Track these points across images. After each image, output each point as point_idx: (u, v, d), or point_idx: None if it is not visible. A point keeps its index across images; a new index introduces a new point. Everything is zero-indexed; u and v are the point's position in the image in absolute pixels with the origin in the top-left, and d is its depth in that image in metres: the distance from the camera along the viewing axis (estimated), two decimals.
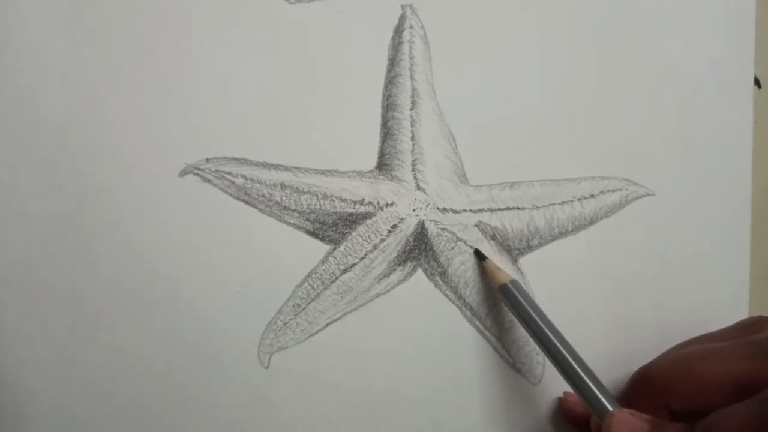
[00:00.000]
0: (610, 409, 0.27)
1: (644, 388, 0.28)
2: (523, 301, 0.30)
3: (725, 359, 0.26)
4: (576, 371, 0.28)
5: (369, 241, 0.32)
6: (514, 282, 0.30)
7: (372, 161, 0.32)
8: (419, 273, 0.32)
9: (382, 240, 0.32)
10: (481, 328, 0.32)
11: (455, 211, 0.32)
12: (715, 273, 0.34)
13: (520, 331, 0.32)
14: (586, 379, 0.28)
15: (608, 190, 0.33)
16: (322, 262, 0.32)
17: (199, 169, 0.31)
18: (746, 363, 0.26)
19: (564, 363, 0.29)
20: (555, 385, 0.32)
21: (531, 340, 0.32)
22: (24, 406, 0.31)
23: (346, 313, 0.32)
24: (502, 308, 0.32)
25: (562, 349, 0.29)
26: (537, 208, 0.32)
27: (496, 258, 0.32)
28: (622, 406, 0.27)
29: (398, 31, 0.32)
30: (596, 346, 0.33)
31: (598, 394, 0.28)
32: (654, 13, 0.33)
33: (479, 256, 0.32)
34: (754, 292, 0.34)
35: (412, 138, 0.32)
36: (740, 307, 0.34)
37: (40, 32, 0.31)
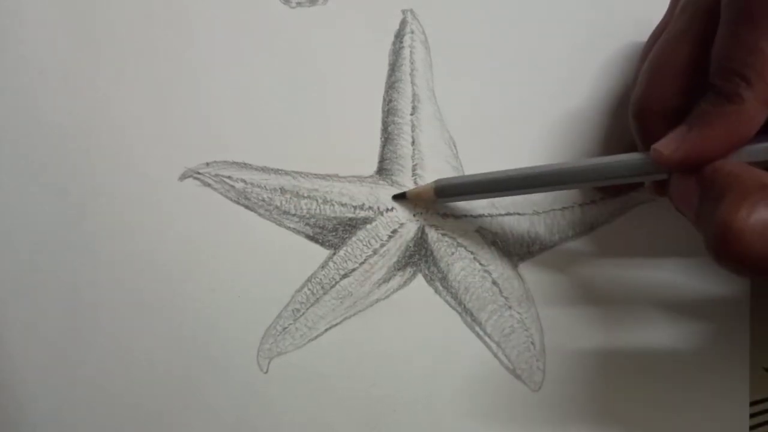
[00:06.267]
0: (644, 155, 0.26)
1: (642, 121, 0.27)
2: (464, 181, 0.30)
3: (676, 41, 0.26)
4: (582, 168, 0.27)
5: (369, 246, 0.32)
6: (439, 180, 0.30)
7: (372, 166, 0.32)
8: (419, 278, 0.32)
9: (382, 245, 0.32)
10: (481, 333, 0.32)
11: (455, 217, 0.32)
12: (715, 276, 0.34)
13: (521, 338, 0.32)
14: (597, 162, 0.27)
15: (609, 196, 0.32)
16: (322, 267, 0.32)
17: (199, 173, 0.31)
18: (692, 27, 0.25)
19: (559, 176, 0.28)
20: (555, 392, 0.32)
21: (531, 347, 0.32)
22: (24, 408, 0.31)
23: (345, 318, 0.32)
24: (503, 314, 0.32)
25: (544, 171, 0.28)
26: (538, 213, 0.32)
27: (497, 263, 0.32)
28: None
29: (399, 35, 0.32)
30: (596, 351, 0.32)
31: (621, 158, 0.27)
32: (652, 18, 0.33)
33: (399, 197, 0.32)
34: (755, 295, 0.34)
35: (413, 143, 0.32)
36: (741, 309, 0.34)
37: (40, 34, 0.31)
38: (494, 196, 0.31)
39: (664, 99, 0.26)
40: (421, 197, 0.31)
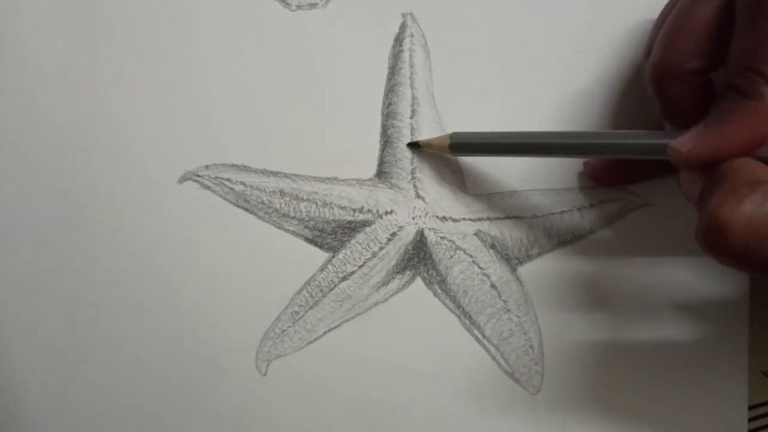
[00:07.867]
0: (670, 140, 0.25)
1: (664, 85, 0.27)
2: (480, 138, 0.29)
3: (694, 4, 0.26)
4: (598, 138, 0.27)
5: (368, 249, 0.32)
6: (455, 134, 0.30)
7: (371, 169, 0.32)
8: (418, 281, 0.32)
9: (381, 248, 0.32)
10: (480, 337, 0.32)
11: (454, 220, 0.32)
12: (714, 279, 0.34)
13: (519, 341, 0.32)
14: (615, 134, 0.27)
15: (608, 200, 0.32)
16: (321, 269, 0.32)
17: (199, 176, 0.31)
18: None
19: (577, 144, 0.27)
20: (554, 395, 0.32)
21: (530, 350, 0.32)
22: (24, 408, 0.31)
23: (344, 321, 0.32)
24: (502, 317, 0.32)
25: (560, 140, 0.28)
26: (536, 217, 0.32)
27: (496, 266, 0.32)
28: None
29: (399, 39, 0.32)
30: (595, 355, 0.32)
31: (640, 134, 0.26)
32: (653, 19, 0.33)
33: (413, 145, 0.32)
34: (753, 299, 0.34)
35: None
36: (741, 312, 0.34)
37: (40, 34, 0.31)
38: (507, 156, 0.31)
39: (684, 61, 0.26)
40: (435, 147, 0.31)
